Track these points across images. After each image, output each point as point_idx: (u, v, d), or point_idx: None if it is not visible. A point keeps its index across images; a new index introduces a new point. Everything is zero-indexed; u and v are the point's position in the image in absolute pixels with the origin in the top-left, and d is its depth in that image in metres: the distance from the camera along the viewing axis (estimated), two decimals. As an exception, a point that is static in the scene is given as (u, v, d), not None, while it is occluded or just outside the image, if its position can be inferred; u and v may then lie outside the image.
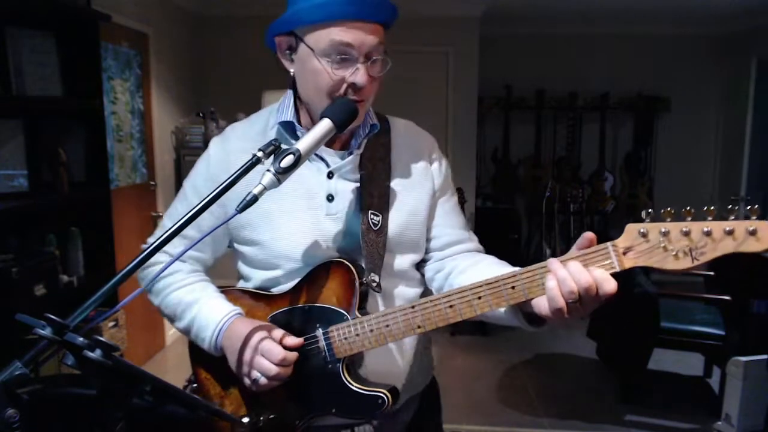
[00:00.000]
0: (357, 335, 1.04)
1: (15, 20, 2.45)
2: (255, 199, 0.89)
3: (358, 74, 1.03)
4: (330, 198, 1.13)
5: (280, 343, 1.05)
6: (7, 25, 2.41)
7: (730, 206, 0.82)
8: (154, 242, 0.88)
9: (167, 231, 0.89)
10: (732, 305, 3.28)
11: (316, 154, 1.13)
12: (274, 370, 1.03)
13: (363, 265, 1.10)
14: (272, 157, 0.94)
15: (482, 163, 5.81)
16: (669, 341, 3.33)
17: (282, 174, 0.91)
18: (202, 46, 4.98)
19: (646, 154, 5.88)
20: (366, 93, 1.06)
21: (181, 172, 4.44)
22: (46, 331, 0.71)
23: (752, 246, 0.80)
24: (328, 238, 1.12)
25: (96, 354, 0.72)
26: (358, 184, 1.14)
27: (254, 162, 0.93)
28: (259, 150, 0.93)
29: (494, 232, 5.40)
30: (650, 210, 0.86)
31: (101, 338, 0.73)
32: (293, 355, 1.05)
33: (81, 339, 0.72)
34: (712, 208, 0.82)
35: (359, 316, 1.05)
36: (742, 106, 5.50)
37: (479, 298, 0.95)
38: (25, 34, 2.47)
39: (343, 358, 1.06)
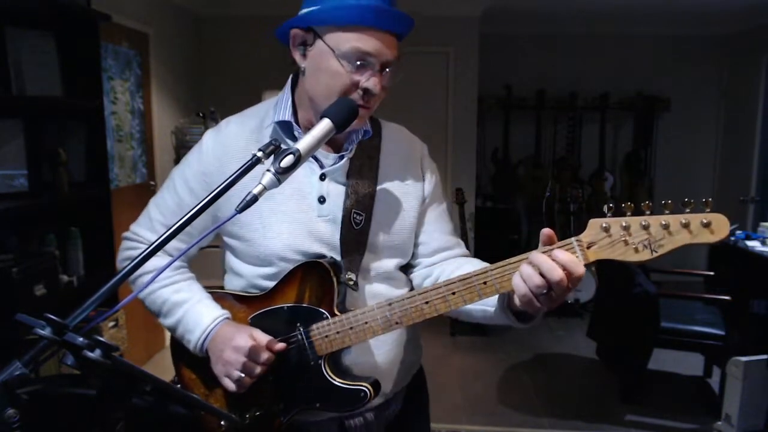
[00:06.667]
0: (337, 333, 1.07)
1: (15, 20, 2.45)
2: (255, 199, 0.89)
3: (372, 81, 1.05)
4: (321, 200, 1.14)
5: (267, 347, 1.08)
6: (7, 25, 2.41)
7: (686, 199, 0.86)
8: (152, 243, 0.86)
9: (166, 232, 0.87)
10: (732, 305, 3.28)
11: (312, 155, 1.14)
12: (258, 369, 1.08)
13: (341, 264, 1.12)
14: (272, 156, 0.93)
15: (482, 163, 5.80)
16: (669, 341, 3.33)
17: (282, 174, 0.91)
18: (202, 46, 4.98)
19: (646, 154, 5.88)
20: (375, 100, 1.09)
21: (181, 172, 4.44)
22: (46, 331, 0.71)
23: (706, 238, 0.84)
24: (320, 239, 1.13)
25: (96, 354, 0.72)
26: (347, 186, 1.16)
27: (254, 162, 0.92)
28: (259, 150, 0.93)
29: (494, 232, 5.40)
30: (611, 204, 0.90)
31: (101, 338, 0.73)
32: (272, 357, 1.10)
33: (81, 339, 0.72)
34: (670, 201, 0.86)
35: (338, 314, 1.07)
36: (752, 105, 5.44)
37: (453, 293, 1.00)
38: (25, 34, 2.47)
39: (324, 355, 1.08)
